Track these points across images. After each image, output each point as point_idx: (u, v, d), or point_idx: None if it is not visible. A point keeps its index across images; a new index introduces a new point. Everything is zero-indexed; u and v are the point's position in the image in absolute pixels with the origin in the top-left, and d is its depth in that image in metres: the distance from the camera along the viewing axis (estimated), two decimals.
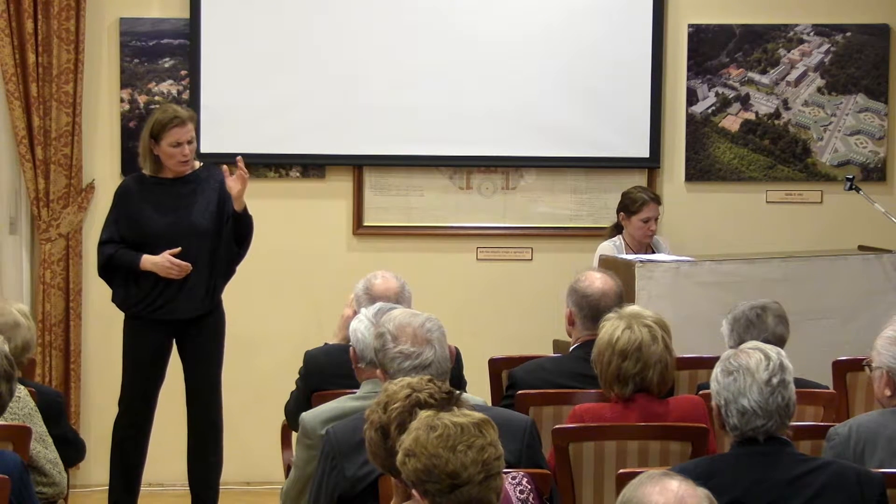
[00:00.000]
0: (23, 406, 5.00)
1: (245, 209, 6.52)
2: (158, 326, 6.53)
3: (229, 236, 6.53)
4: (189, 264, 6.41)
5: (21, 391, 5.01)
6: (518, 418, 4.28)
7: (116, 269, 6.52)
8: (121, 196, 6.57)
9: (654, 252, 7.42)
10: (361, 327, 4.61)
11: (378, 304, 4.71)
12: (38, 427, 5.05)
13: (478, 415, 3.18)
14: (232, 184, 6.46)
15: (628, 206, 7.44)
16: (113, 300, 6.64)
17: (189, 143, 6.46)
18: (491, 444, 3.12)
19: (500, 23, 7.75)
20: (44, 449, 5.09)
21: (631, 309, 4.77)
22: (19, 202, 7.66)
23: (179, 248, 6.42)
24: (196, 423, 6.66)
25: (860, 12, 7.90)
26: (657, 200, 7.45)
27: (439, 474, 3.08)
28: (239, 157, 6.55)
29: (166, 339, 6.60)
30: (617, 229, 7.51)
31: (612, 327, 4.67)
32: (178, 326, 6.55)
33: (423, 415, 3.17)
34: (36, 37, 7.45)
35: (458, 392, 3.58)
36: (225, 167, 6.53)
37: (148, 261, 6.43)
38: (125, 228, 6.51)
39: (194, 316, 6.52)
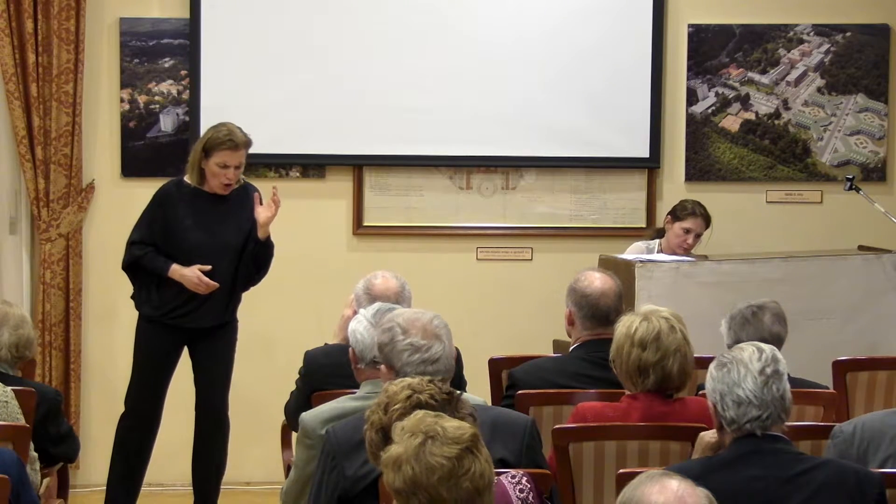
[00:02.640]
0: (11, 412, 5.01)
1: (268, 237, 6.56)
2: (174, 331, 6.56)
3: (249, 259, 6.56)
4: (217, 284, 6.44)
5: (8, 395, 5.02)
6: (518, 418, 4.28)
7: (141, 271, 6.54)
8: (160, 201, 6.58)
9: None
10: (361, 328, 4.61)
11: (377, 305, 4.71)
12: None
13: (467, 432, 3.12)
14: (262, 211, 6.52)
15: (677, 210, 7.40)
16: (132, 297, 6.65)
17: (236, 167, 6.48)
18: (486, 461, 3.09)
19: (501, 23, 7.75)
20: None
21: (646, 307, 4.77)
22: (19, 202, 7.66)
23: (210, 267, 6.45)
24: (203, 425, 6.68)
25: (860, 12, 7.90)
26: (706, 219, 7.36)
27: None
28: (274, 187, 6.60)
29: (181, 344, 6.64)
30: (658, 234, 7.49)
31: (628, 321, 4.67)
32: (194, 332, 6.58)
33: (411, 445, 3.10)
34: (36, 37, 7.45)
35: (458, 393, 3.58)
36: (257, 194, 6.54)
37: (177, 272, 6.46)
38: (159, 234, 6.53)
39: (210, 326, 6.55)
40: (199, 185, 6.54)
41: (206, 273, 6.46)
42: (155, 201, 6.59)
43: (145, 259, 6.51)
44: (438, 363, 4.14)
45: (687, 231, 7.35)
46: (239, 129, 6.54)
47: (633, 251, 7.30)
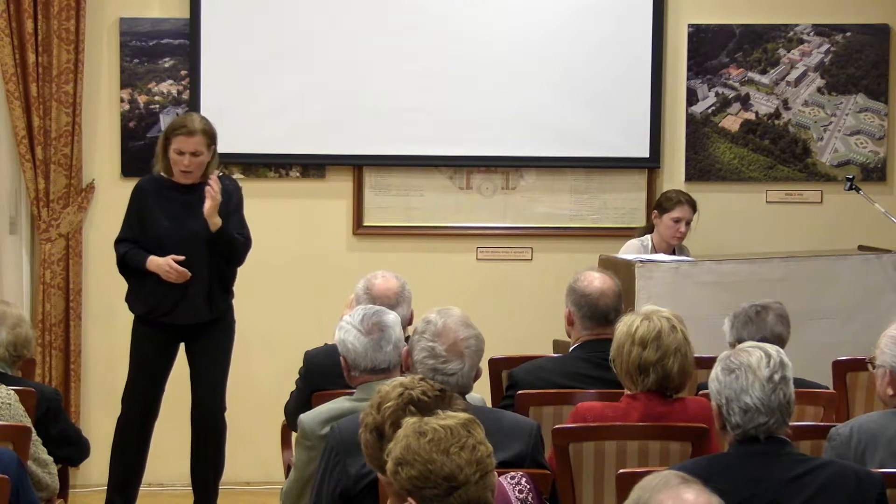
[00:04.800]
0: (14, 413, 5.00)
1: (220, 230, 6.44)
2: (165, 330, 6.56)
3: (216, 251, 6.54)
4: (187, 271, 6.43)
5: (11, 397, 5.02)
6: (525, 422, 4.29)
7: (129, 268, 6.56)
8: (135, 195, 6.62)
9: None
10: (350, 337, 4.60)
11: (361, 310, 4.68)
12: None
13: (462, 415, 3.17)
14: (205, 204, 6.42)
15: (662, 203, 7.43)
16: (125, 299, 6.66)
17: (193, 154, 6.45)
18: (481, 443, 3.11)
19: (500, 23, 7.75)
20: (35, 454, 5.08)
21: (647, 307, 4.78)
22: (19, 202, 7.65)
23: (184, 257, 6.45)
24: (200, 425, 6.68)
25: (860, 12, 7.89)
26: (692, 205, 7.40)
27: (436, 479, 3.06)
28: (213, 175, 6.46)
29: (173, 343, 6.63)
30: (648, 230, 7.50)
31: (629, 320, 4.68)
32: (185, 331, 6.58)
33: (409, 421, 3.16)
34: (36, 37, 7.45)
35: (450, 391, 3.58)
36: (208, 188, 6.43)
37: (153, 262, 6.48)
38: (136, 228, 6.55)
39: (196, 323, 6.55)
40: (168, 176, 6.55)
41: (180, 262, 6.45)
42: (131, 197, 6.64)
43: (129, 256, 6.54)
44: (452, 378, 4.18)
45: (677, 220, 7.37)
46: (201, 117, 6.55)
47: (627, 249, 7.31)
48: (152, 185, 6.58)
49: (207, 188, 6.42)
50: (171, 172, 6.53)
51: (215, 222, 6.44)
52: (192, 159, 6.46)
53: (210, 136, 6.50)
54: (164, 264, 6.45)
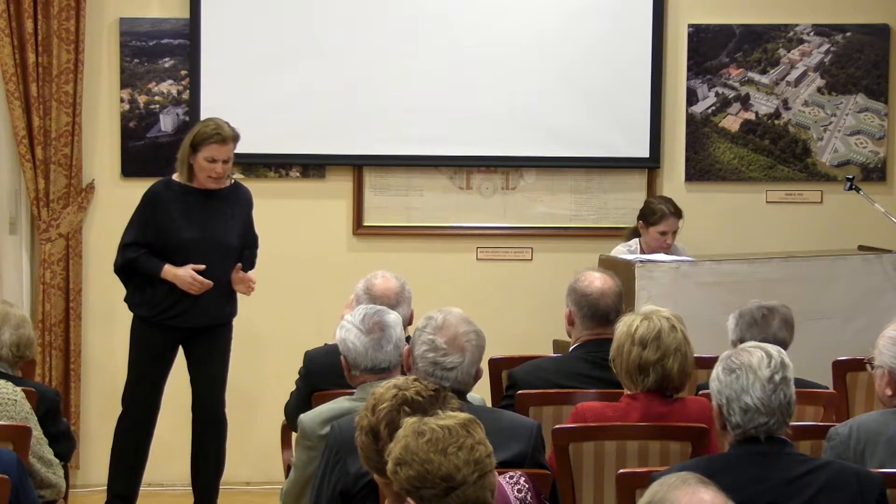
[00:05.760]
0: (19, 410, 5.00)
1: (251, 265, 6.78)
2: (168, 331, 6.56)
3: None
4: (210, 282, 6.45)
5: (17, 394, 5.02)
6: (525, 422, 4.28)
7: (135, 273, 6.55)
8: (149, 201, 6.58)
9: None
10: (351, 336, 4.60)
11: (362, 310, 4.69)
12: (35, 431, 5.05)
13: (462, 415, 3.17)
14: (238, 285, 6.61)
15: (648, 216, 7.41)
16: (125, 300, 6.65)
17: (224, 161, 6.49)
18: (480, 443, 3.11)
19: (500, 22, 7.75)
20: (40, 453, 5.08)
21: (647, 307, 4.78)
22: (19, 202, 7.66)
23: (204, 266, 6.45)
24: (201, 425, 6.69)
25: (860, 12, 7.90)
26: (678, 214, 7.39)
27: (433, 479, 3.06)
28: (251, 279, 6.64)
29: (175, 344, 6.64)
30: (635, 233, 7.49)
31: (629, 320, 4.68)
32: (187, 332, 6.58)
33: (409, 421, 3.16)
34: (36, 37, 7.45)
35: (444, 390, 3.58)
36: (239, 265, 6.57)
37: (170, 272, 6.46)
38: (151, 234, 6.53)
39: (206, 325, 6.55)
40: (188, 182, 6.55)
41: (200, 272, 6.46)
42: (145, 202, 6.59)
43: (139, 261, 6.52)
44: (451, 373, 4.16)
45: (663, 233, 7.36)
46: (226, 123, 6.55)
47: (616, 255, 7.29)
48: (170, 192, 6.55)
49: (244, 280, 6.57)
50: (191, 179, 6.53)
51: (241, 290, 6.62)
52: (223, 166, 6.49)
53: (237, 141, 6.55)
54: (186, 277, 6.44)
